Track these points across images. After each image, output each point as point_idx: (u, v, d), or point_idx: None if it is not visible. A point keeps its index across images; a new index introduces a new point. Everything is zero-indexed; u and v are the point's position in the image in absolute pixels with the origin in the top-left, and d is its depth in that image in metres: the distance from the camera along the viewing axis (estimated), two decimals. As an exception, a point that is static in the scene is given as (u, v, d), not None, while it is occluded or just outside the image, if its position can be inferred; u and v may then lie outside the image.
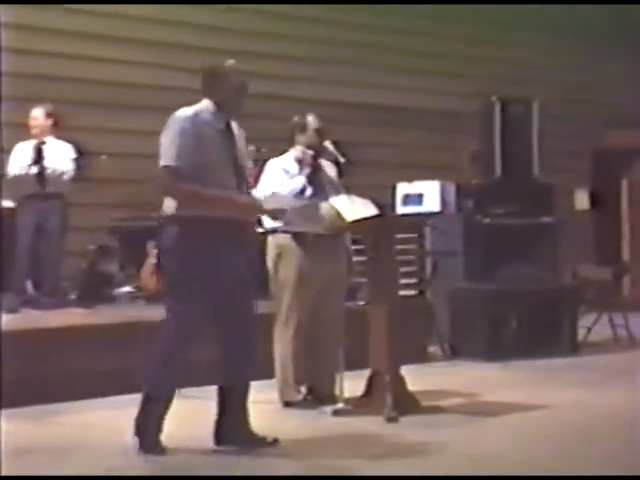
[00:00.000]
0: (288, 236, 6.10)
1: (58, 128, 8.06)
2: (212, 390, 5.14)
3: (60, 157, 7.98)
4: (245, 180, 5.08)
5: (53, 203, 7.94)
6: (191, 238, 4.82)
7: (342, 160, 6.34)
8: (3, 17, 8.31)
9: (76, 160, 8.05)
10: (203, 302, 4.89)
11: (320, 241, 6.07)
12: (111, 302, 8.31)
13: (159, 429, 4.92)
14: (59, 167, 7.94)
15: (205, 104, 5.05)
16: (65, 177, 7.96)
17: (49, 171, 7.89)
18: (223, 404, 5.05)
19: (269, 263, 6.22)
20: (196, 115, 4.96)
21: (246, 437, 5.02)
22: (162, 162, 4.87)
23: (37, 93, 8.57)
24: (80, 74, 9.10)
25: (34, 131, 7.99)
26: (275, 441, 5.04)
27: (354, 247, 6.97)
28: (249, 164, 5.28)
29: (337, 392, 6.09)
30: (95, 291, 8.34)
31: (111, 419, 5.75)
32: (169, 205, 4.93)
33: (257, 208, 5.17)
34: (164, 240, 4.96)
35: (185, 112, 4.98)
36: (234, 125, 5.12)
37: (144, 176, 8.73)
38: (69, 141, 8.11)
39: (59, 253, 8.08)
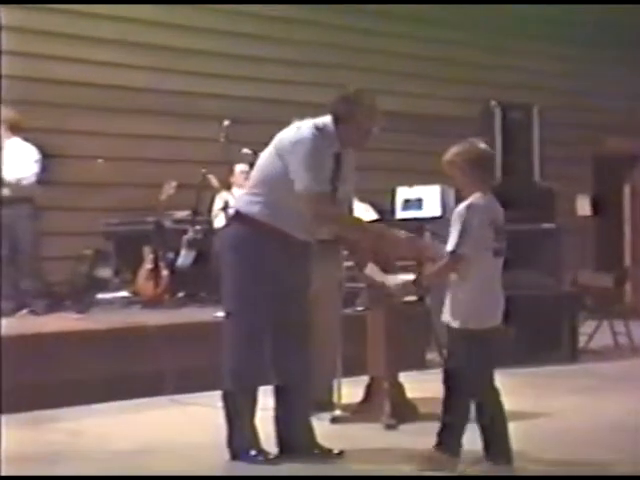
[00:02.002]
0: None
1: (17, 131, 7.92)
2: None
3: (19, 160, 7.85)
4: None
5: (20, 207, 7.80)
6: (260, 239, 4.77)
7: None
8: (-1, 19, 8.28)
9: (40, 162, 7.94)
10: (269, 301, 4.81)
11: (317, 246, 6.00)
12: (107, 307, 8.25)
13: (254, 432, 4.84)
14: (17, 171, 7.81)
15: (330, 121, 4.97)
16: (24, 182, 7.84)
17: (5, 175, 7.76)
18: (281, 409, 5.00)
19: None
20: (325, 131, 4.89)
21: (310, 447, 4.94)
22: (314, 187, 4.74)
23: (30, 96, 8.51)
24: (75, 77, 9.03)
25: None
26: (341, 453, 4.96)
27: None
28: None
29: (335, 399, 6.02)
30: (91, 296, 8.27)
31: (105, 426, 5.69)
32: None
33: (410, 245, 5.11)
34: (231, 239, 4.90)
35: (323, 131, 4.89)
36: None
37: (140, 180, 8.71)
38: (34, 143, 8.01)
39: (34, 258, 7.96)
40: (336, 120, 4.98)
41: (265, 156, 4.97)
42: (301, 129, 4.88)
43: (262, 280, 4.76)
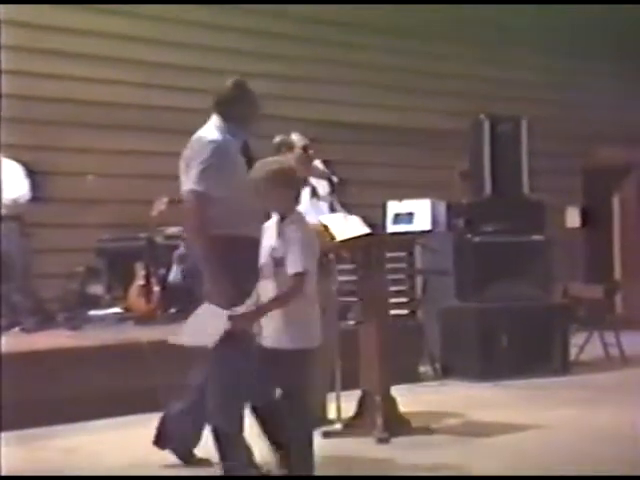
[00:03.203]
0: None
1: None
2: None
3: (10, 179, 7.86)
4: None
5: (10, 225, 7.81)
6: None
7: (335, 179, 6.32)
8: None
9: (29, 179, 7.96)
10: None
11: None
12: (99, 324, 8.24)
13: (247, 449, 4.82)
14: (12, 191, 7.82)
15: (218, 123, 4.97)
16: (21, 200, 7.88)
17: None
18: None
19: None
20: (223, 139, 4.88)
21: None
22: (188, 186, 4.74)
23: (20, 113, 8.52)
24: (66, 94, 9.04)
25: None
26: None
27: (345, 266, 6.94)
28: None
29: (334, 414, 6.03)
30: (83, 313, 8.27)
31: (99, 443, 5.68)
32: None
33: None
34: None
35: (211, 134, 4.89)
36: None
37: (131, 196, 8.71)
38: (20, 161, 8.02)
39: (26, 275, 7.95)
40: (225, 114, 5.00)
41: None
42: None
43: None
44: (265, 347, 4.40)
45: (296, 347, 4.36)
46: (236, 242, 4.68)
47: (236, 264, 4.61)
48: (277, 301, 4.35)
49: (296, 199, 4.54)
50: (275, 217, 4.50)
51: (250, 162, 4.95)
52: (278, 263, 4.35)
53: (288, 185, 4.47)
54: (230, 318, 4.39)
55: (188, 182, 4.74)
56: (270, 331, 4.39)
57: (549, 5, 12.07)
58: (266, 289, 4.40)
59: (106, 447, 5.16)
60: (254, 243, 4.69)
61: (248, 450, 4.84)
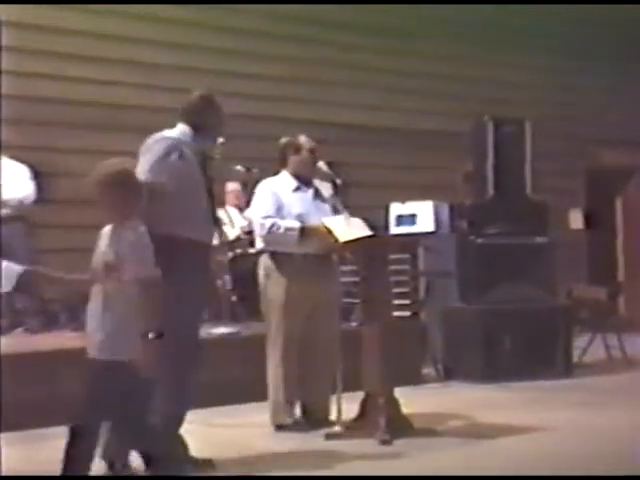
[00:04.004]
0: (277, 257, 6.08)
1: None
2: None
3: (14, 180, 7.87)
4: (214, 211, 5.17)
5: (14, 226, 7.82)
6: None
7: (339, 180, 6.32)
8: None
9: (33, 181, 7.97)
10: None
11: (311, 262, 6.03)
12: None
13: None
14: (16, 191, 7.83)
15: (182, 128, 5.10)
16: (26, 201, 7.90)
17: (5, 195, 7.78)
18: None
19: (259, 284, 6.20)
20: (179, 139, 4.98)
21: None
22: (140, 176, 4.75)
23: (21, 114, 8.52)
24: (67, 95, 9.05)
25: None
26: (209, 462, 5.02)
27: (348, 268, 6.94)
28: None
29: (335, 415, 6.02)
30: (86, 313, 8.24)
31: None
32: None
33: None
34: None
35: (169, 133, 5.02)
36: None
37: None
38: (25, 162, 8.04)
39: None
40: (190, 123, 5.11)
41: None
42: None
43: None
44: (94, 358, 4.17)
45: (109, 358, 4.13)
46: (180, 244, 4.76)
47: (179, 266, 4.64)
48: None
49: (134, 204, 4.25)
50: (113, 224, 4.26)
51: (209, 178, 5.04)
52: (112, 269, 4.11)
53: (125, 189, 4.20)
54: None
55: (139, 174, 4.75)
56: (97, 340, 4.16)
57: (552, 6, 12.06)
58: (97, 298, 4.19)
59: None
60: (201, 247, 4.76)
61: (184, 446, 4.94)
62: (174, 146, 4.94)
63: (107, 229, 4.30)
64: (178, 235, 4.80)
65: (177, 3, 9.82)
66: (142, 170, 4.80)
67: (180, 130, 5.10)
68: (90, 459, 4.14)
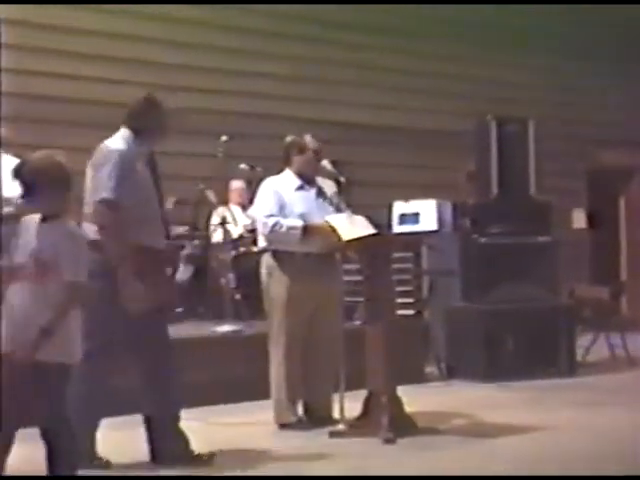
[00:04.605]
0: (279, 255, 6.09)
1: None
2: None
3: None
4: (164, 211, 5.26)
5: (15, 225, 7.78)
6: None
7: (342, 179, 6.32)
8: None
9: None
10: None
11: (313, 260, 6.03)
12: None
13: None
14: (16, 189, 7.80)
15: (126, 134, 5.10)
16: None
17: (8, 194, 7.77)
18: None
19: (262, 283, 6.20)
20: (128, 148, 5.01)
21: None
22: (100, 195, 4.88)
23: (21, 112, 8.52)
24: (69, 93, 9.05)
25: None
26: (212, 456, 5.06)
27: (351, 266, 6.94)
28: None
29: (337, 413, 6.03)
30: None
31: (98, 442, 5.67)
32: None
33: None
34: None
35: (117, 144, 5.03)
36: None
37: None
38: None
39: None
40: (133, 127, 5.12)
41: None
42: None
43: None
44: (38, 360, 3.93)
45: (56, 360, 3.95)
46: (139, 252, 4.81)
47: (140, 273, 4.73)
48: (59, 314, 3.92)
49: (64, 198, 4.12)
50: (37, 215, 4.13)
51: (156, 178, 5.07)
52: (43, 266, 3.97)
53: (54, 182, 4.06)
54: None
55: (98, 191, 4.88)
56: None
57: (553, 6, 12.07)
58: (21, 293, 4.00)
59: (106, 446, 5.14)
60: (156, 254, 4.79)
61: (186, 442, 5.01)
62: (126, 158, 4.96)
63: (31, 221, 4.16)
64: (141, 243, 4.88)
65: (181, 3, 9.82)
66: (101, 187, 4.88)
67: (123, 137, 5.09)
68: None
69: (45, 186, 4.05)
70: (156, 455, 5.02)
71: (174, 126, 5.33)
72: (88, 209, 4.98)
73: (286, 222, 6.03)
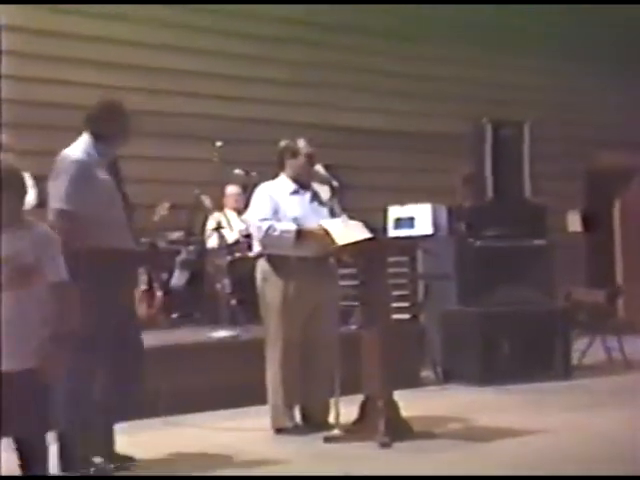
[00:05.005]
0: (273, 260, 6.09)
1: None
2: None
3: None
4: (130, 214, 5.18)
5: None
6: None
7: (335, 183, 6.32)
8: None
9: (35, 188, 7.99)
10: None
11: (309, 265, 6.03)
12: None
13: None
14: None
15: (87, 140, 5.12)
16: (27, 207, 7.87)
17: None
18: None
19: (258, 288, 6.20)
20: (88, 155, 5.03)
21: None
22: (56, 205, 4.95)
23: (21, 119, 8.53)
24: (67, 99, 9.03)
25: None
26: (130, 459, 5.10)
27: (346, 271, 6.94)
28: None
29: (333, 418, 6.02)
30: None
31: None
32: None
33: None
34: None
35: (76, 153, 5.05)
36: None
37: (133, 201, 8.69)
38: (25, 168, 8.02)
39: None
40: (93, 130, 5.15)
41: None
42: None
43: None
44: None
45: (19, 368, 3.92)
46: (106, 255, 4.85)
47: (110, 277, 4.80)
48: (59, 318, 3.95)
49: (20, 204, 4.14)
50: None
51: (119, 181, 5.08)
52: (24, 271, 3.95)
53: (8, 188, 4.05)
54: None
55: (54, 201, 4.94)
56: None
57: (552, 8, 12.08)
58: (9, 305, 3.93)
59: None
60: (126, 255, 4.88)
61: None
62: (84, 167, 4.99)
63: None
64: (102, 246, 4.90)
65: (183, 3, 9.83)
66: (57, 197, 4.95)
67: (85, 144, 5.11)
68: None
69: (4, 192, 4.03)
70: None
71: (135, 128, 5.32)
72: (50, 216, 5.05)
73: (279, 226, 6.03)
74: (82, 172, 4.95)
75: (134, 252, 5.09)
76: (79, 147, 5.08)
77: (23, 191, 4.15)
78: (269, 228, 6.03)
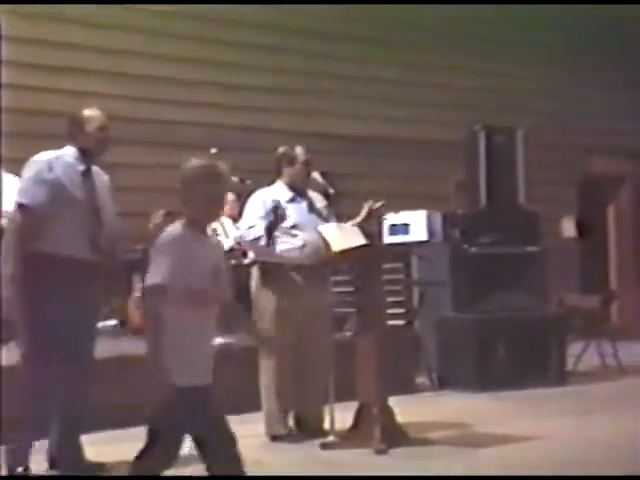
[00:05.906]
0: (266, 267, 6.09)
1: None
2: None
3: (11, 191, 7.85)
4: (101, 222, 5.16)
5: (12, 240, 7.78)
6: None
7: (331, 191, 6.33)
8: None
9: None
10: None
11: (302, 272, 6.04)
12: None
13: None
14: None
15: (67, 149, 5.20)
16: None
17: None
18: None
19: (252, 294, 6.21)
20: (56, 158, 5.09)
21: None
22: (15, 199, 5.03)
23: (16, 127, 8.51)
24: (60, 108, 9.00)
25: None
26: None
27: (341, 277, 6.94)
28: (112, 209, 5.42)
29: (328, 425, 6.02)
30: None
31: (92, 457, 5.66)
32: None
33: None
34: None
35: (44, 155, 5.12)
36: (96, 171, 5.29)
37: (127, 209, 8.69)
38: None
39: None
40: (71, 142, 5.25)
41: None
42: None
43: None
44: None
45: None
46: (58, 262, 4.88)
47: (53, 283, 4.84)
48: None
49: None
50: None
51: (92, 194, 5.10)
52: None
53: None
54: None
55: (16, 196, 5.02)
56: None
57: (545, 16, 12.12)
58: (196, 321, 3.90)
59: (100, 460, 5.17)
60: (75, 262, 4.88)
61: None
62: (45, 166, 5.04)
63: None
64: (50, 251, 4.93)
65: (187, 3, 9.84)
66: (17, 192, 5.05)
67: (64, 149, 5.20)
68: None
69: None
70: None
71: (110, 137, 5.34)
72: None
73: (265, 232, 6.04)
74: (42, 169, 5.02)
75: (85, 261, 5.02)
76: (56, 150, 5.17)
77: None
78: (255, 235, 6.05)
